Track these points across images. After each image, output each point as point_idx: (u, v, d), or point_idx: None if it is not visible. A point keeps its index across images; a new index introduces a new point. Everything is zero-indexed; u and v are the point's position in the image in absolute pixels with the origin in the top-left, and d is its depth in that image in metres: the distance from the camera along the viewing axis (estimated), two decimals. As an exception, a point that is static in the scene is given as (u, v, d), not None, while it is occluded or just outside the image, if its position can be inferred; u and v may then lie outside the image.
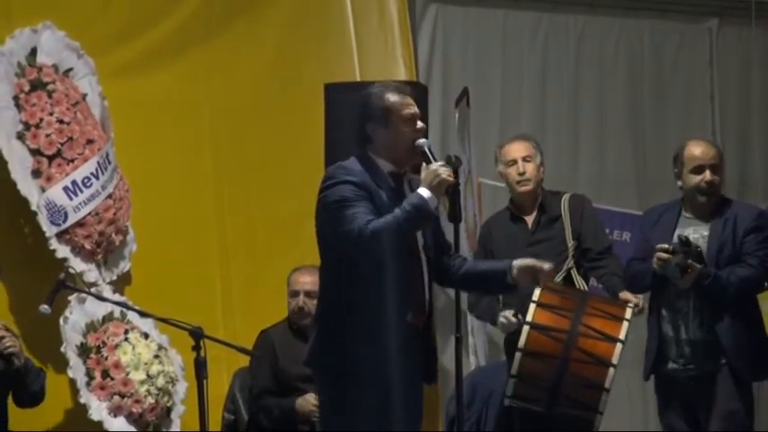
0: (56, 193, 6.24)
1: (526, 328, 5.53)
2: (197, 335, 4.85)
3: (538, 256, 5.05)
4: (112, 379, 6.21)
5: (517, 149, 6.04)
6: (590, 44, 8.52)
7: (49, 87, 6.34)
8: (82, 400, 6.18)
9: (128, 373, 6.22)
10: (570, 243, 5.92)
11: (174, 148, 6.84)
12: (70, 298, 6.24)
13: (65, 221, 6.25)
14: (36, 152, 6.28)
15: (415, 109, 4.64)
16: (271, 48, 7.17)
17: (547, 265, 4.64)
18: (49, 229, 6.24)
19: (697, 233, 5.75)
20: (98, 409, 6.17)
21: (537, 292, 5.57)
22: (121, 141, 6.54)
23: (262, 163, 7.03)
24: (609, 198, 8.05)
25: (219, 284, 6.92)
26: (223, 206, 6.98)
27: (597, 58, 8.55)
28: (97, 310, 6.33)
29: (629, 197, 8.39)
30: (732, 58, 8.83)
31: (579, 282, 5.91)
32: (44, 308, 5.27)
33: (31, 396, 5.83)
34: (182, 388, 6.41)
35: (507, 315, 5.82)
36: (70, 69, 6.48)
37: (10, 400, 5.83)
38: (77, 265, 6.27)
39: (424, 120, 4.80)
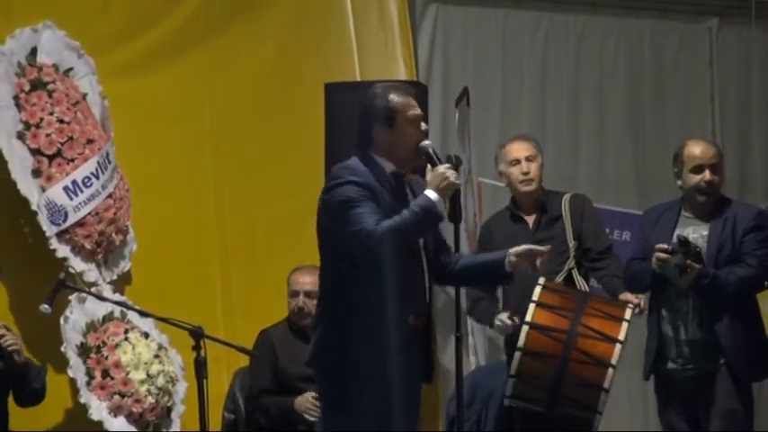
0: (56, 192, 6.24)
1: (525, 328, 5.52)
2: (197, 335, 4.85)
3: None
4: (113, 379, 6.21)
5: (520, 149, 6.02)
6: (590, 44, 8.51)
7: (50, 87, 6.34)
8: (82, 400, 6.19)
9: (128, 373, 6.22)
10: (571, 243, 5.91)
11: (174, 148, 6.84)
12: (70, 298, 6.24)
13: (65, 221, 6.26)
14: (36, 152, 6.28)
15: (419, 110, 4.63)
16: (271, 48, 7.17)
17: (545, 248, 4.65)
18: (50, 229, 6.24)
19: (696, 233, 5.75)
20: (98, 408, 6.18)
21: (537, 292, 5.57)
22: (121, 141, 6.55)
23: (262, 163, 7.02)
24: (609, 198, 8.04)
25: (219, 284, 6.92)
26: (223, 206, 6.98)
27: (597, 58, 8.54)
28: (97, 309, 6.33)
29: (629, 197, 8.38)
30: (732, 58, 8.82)
31: (580, 282, 5.89)
32: (44, 307, 5.26)
33: (33, 394, 5.84)
34: (182, 388, 6.41)
35: (503, 318, 5.79)
36: (70, 69, 6.49)
37: (10, 399, 5.84)
38: (77, 264, 6.27)
39: (425, 120, 4.80)
